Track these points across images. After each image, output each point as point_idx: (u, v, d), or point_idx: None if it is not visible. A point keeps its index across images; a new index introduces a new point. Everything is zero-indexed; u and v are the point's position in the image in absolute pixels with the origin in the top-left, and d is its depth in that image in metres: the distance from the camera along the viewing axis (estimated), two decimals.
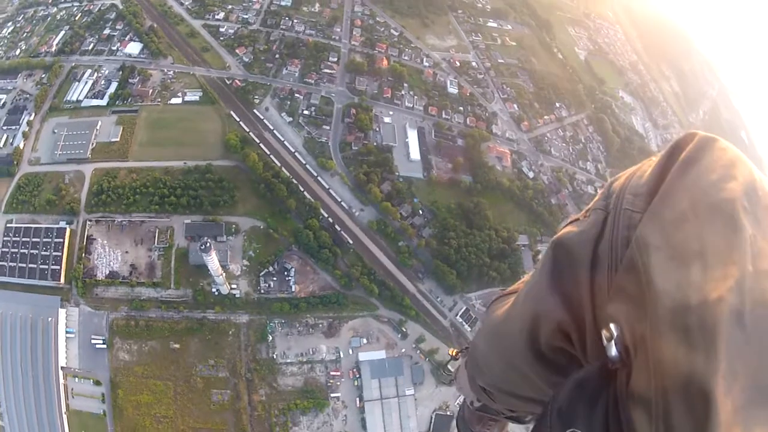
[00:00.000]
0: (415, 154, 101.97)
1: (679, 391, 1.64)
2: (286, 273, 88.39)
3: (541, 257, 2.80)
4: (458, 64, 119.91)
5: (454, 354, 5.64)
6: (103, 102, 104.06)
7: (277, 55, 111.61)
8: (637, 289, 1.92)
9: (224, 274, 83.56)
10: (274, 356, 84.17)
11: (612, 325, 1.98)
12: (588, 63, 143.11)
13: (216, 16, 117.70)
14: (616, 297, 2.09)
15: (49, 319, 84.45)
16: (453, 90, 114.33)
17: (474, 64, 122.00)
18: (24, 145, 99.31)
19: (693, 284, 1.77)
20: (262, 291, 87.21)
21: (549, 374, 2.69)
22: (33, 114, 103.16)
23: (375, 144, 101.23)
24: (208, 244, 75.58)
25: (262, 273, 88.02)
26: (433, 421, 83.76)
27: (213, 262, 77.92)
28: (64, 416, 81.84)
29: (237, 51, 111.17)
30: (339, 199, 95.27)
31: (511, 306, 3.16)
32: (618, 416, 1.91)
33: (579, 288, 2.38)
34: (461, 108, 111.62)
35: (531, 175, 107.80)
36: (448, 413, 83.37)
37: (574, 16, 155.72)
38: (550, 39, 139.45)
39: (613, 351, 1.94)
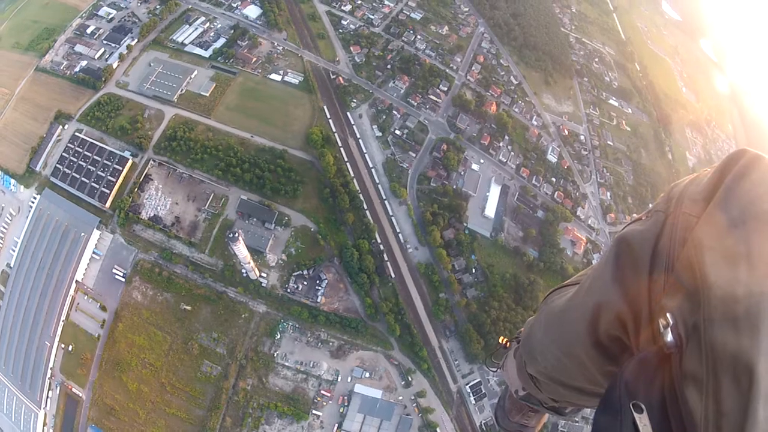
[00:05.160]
0: (490, 210, 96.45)
1: (728, 368, 1.93)
2: (318, 282, 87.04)
3: (604, 251, 2.51)
4: (566, 132, 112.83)
5: (504, 342, 5.90)
6: (206, 54, 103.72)
7: (389, 66, 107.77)
8: (692, 284, 2.23)
9: (252, 262, 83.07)
10: (275, 354, 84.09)
11: (668, 315, 2.29)
12: (694, 172, 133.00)
13: (343, 7, 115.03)
14: (671, 290, 2.40)
15: (82, 234, 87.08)
16: (552, 158, 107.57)
17: (582, 137, 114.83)
18: (117, 66, 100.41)
19: (740, 280, 2.07)
20: (289, 290, 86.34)
21: (603, 362, 3.03)
22: (136, 40, 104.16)
23: (454, 187, 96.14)
24: (236, 234, 75.97)
25: (295, 273, 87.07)
26: None
27: (240, 251, 78.10)
28: (61, 322, 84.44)
29: (351, 48, 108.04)
30: (398, 230, 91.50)
31: (574, 295, 3.42)
32: (673, 392, 2.22)
33: (638, 281, 2.67)
34: (554, 179, 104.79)
35: None
36: None
37: (695, 119, 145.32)
38: (665, 135, 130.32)
39: (669, 337, 2.24)
